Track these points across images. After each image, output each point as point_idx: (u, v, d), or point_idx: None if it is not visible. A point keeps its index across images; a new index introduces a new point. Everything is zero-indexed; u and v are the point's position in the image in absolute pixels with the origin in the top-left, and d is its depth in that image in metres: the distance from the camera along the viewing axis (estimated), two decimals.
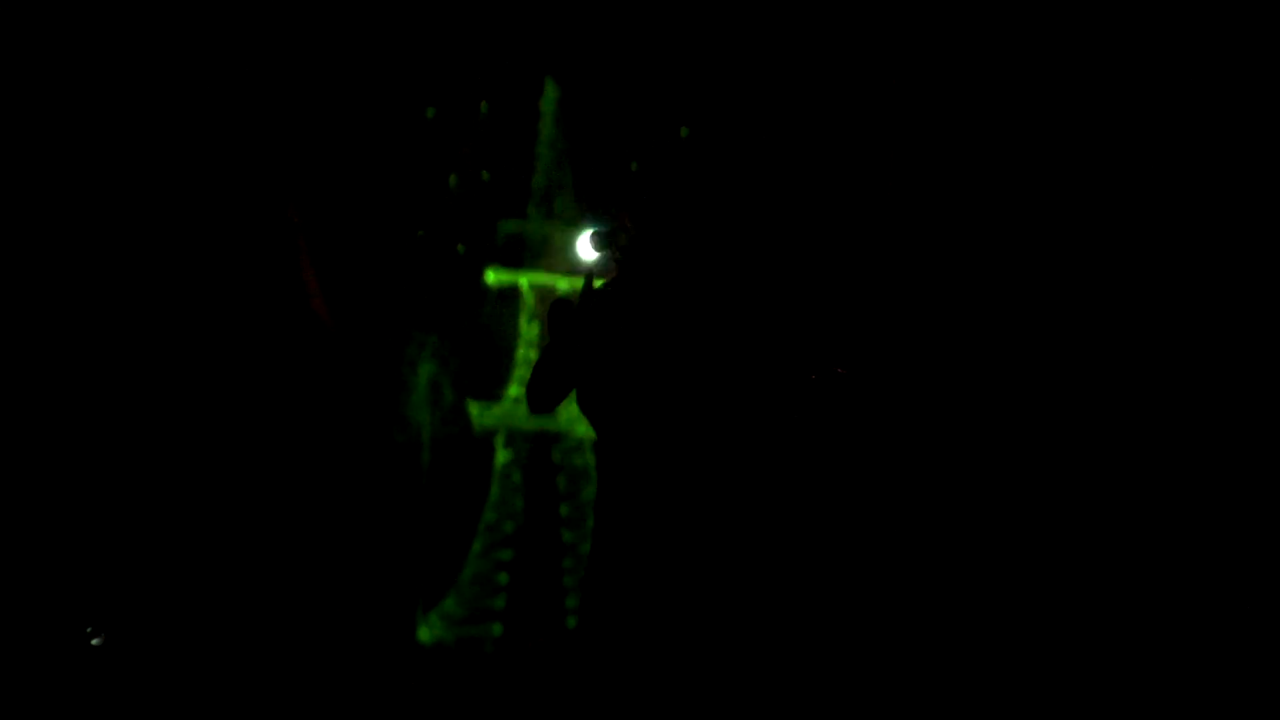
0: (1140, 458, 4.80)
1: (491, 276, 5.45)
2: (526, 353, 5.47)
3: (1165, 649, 4.58)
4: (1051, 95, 5.02)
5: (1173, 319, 4.86)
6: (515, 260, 5.48)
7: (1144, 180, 4.93)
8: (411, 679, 5.22)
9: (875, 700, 4.64)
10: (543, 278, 5.46)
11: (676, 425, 3.14)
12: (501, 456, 5.46)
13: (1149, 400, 4.83)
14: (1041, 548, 4.81)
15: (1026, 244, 5.02)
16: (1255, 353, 4.75)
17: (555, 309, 3.23)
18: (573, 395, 3.29)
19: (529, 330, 5.46)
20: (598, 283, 3.24)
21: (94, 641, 4.67)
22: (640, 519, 3.09)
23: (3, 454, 4.95)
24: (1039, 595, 4.77)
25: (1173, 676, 4.53)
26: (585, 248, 3.23)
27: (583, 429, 5.51)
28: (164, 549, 5.07)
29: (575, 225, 5.43)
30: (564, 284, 5.44)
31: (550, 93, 5.47)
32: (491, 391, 5.50)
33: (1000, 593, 4.79)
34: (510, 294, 5.48)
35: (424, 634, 5.32)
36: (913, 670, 4.70)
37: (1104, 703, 4.57)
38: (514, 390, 5.48)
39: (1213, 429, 4.76)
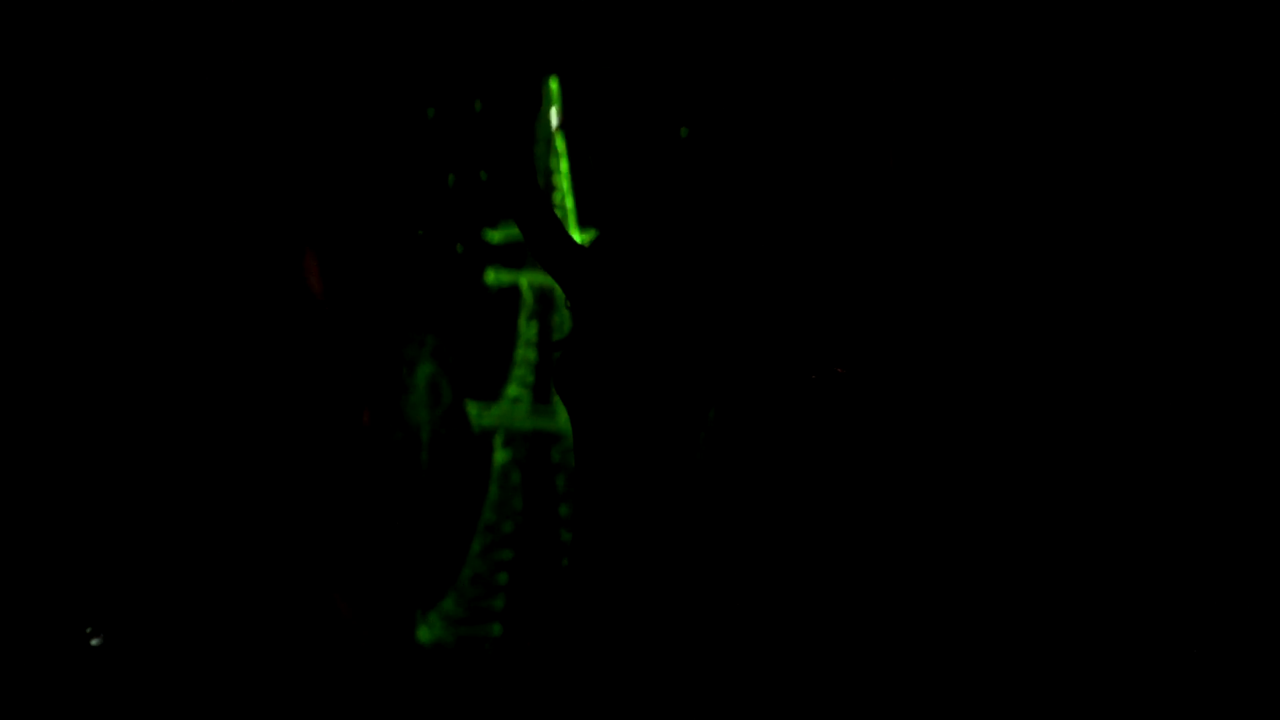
0: (1141, 458, 4.81)
1: (491, 276, 5.46)
2: (526, 353, 5.47)
3: (1166, 649, 4.58)
4: (1051, 95, 5.03)
5: (1173, 319, 4.86)
6: (515, 260, 5.49)
7: (1144, 180, 4.94)
8: (411, 679, 5.22)
9: (874, 700, 4.65)
10: (542, 278, 5.47)
11: (674, 424, 3.13)
12: (500, 456, 5.47)
13: (1150, 400, 4.84)
14: (1042, 548, 4.81)
15: (1026, 244, 5.02)
16: (1255, 353, 4.76)
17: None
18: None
19: (529, 330, 5.46)
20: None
21: (94, 641, 4.68)
22: (635, 519, 3.09)
23: (3, 455, 4.96)
24: (1040, 596, 4.77)
25: (1173, 677, 4.53)
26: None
27: None
28: (163, 549, 5.07)
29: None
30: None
31: (549, 92, 5.48)
32: (490, 391, 5.51)
33: (1001, 593, 4.80)
34: (511, 294, 5.49)
35: (424, 634, 5.32)
36: (912, 670, 4.70)
37: (1104, 703, 4.57)
38: (513, 390, 5.48)
39: (1213, 429, 4.76)
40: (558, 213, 5.48)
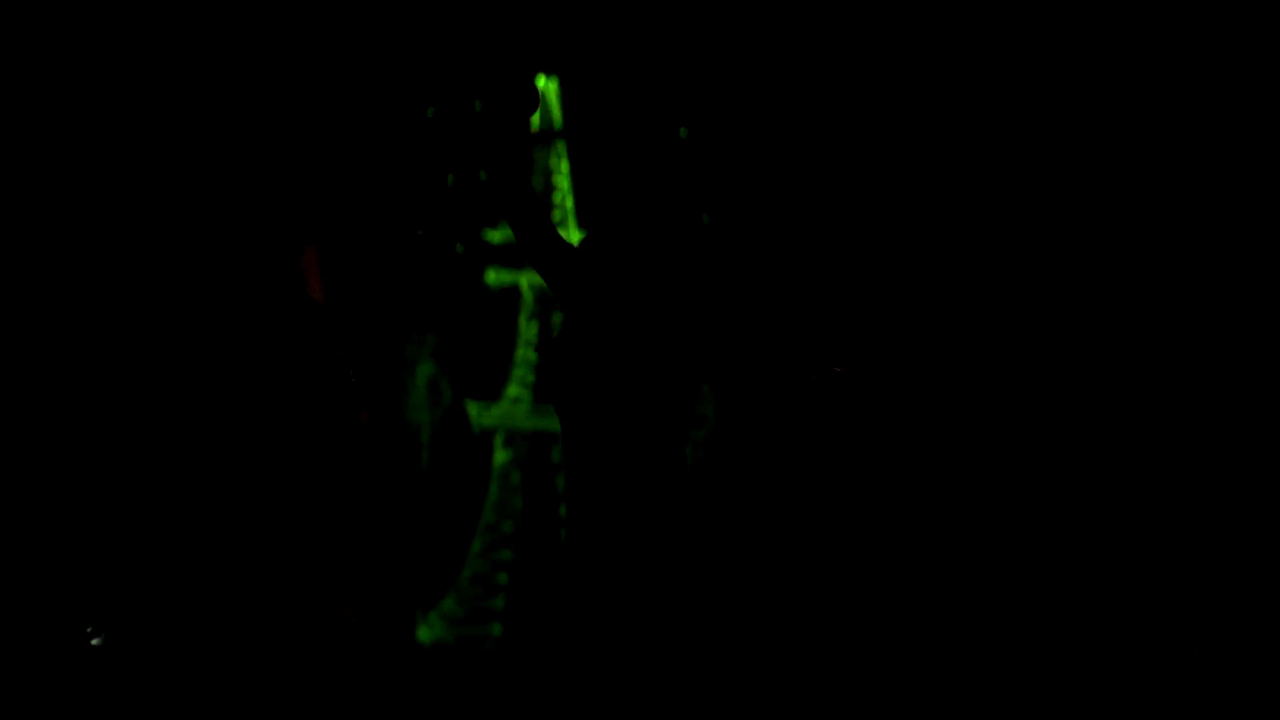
0: (1141, 458, 4.80)
1: (492, 277, 5.45)
2: (526, 353, 5.47)
3: (1165, 649, 4.58)
4: (1051, 95, 5.02)
5: (1173, 319, 4.86)
6: (515, 260, 5.48)
7: (1144, 180, 4.93)
8: (411, 679, 5.22)
9: (871, 700, 4.64)
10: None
11: (660, 425, 3.12)
12: (500, 456, 5.46)
13: (1150, 400, 4.83)
14: (1042, 548, 4.81)
15: (1027, 244, 5.02)
16: (1255, 353, 4.75)
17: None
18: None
19: (529, 330, 5.46)
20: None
21: (94, 641, 4.67)
22: (632, 520, 3.08)
23: (3, 455, 4.95)
24: (1039, 595, 4.77)
25: (1173, 677, 4.53)
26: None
27: None
28: (163, 549, 5.07)
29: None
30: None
31: (549, 92, 5.47)
32: (490, 391, 5.50)
33: (1001, 593, 4.79)
34: (511, 294, 5.49)
35: (424, 634, 5.32)
36: (910, 670, 4.70)
37: (1104, 703, 4.57)
38: (513, 390, 5.47)
39: (1213, 429, 4.76)
40: (557, 213, 5.48)
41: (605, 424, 3.06)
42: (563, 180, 5.48)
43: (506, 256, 5.48)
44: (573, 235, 5.37)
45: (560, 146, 5.48)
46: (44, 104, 5.09)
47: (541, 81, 5.43)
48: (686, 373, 3.10)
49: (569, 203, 5.49)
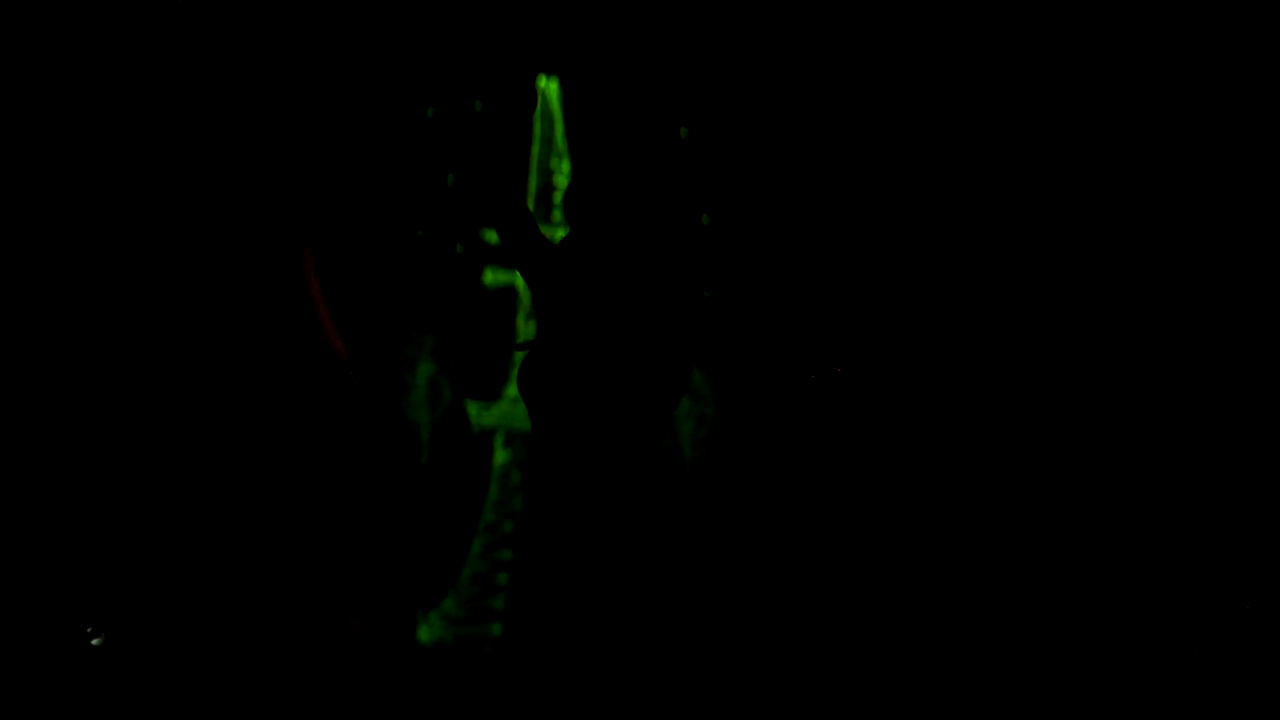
0: (1141, 458, 4.80)
1: (489, 277, 5.45)
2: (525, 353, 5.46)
3: (1165, 649, 4.58)
4: (1051, 95, 5.02)
5: (1173, 319, 4.86)
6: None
7: (1144, 180, 4.93)
8: (411, 679, 5.22)
9: (872, 700, 4.65)
10: None
11: (635, 427, 3.12)
12: (500, 456, 5.46)
13: (1150, 401, 4.83)
14: (1041, 547, 4.81)
15: (1025, 244, 5.02)
16: (1256, 353, 4.76)
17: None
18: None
19: (528, 330, 5.46)
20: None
21: (94, 641, 4.67)
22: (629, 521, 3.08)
23: (3, 455, 4.95)
24: (1039, 595, 4.77)
25: (1172, 677, 4.53)
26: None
27: None
28: (163, 549, 5.07)
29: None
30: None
31: (548, 92, 5.47)
32: (490, 391, 5.50)
33: (1000, 593, 4.79)
34: (510, 294, 5.49)
35: (424, 634, 5.32)
36: (910, 670, 4.70)
37: (1104, 703, 4.57)
38: (513, 390, 5.48)
39: (1213, 429, 4.76)
40: (557, 213, 5.48)
41: (577, 425, 3.05)
42: (563, 180, 5.48)
43: (505, 257, 5.48)
44: (547, 238, 5.37)
45: (560, 146, 5.48)
46: (44, 104, 5.09)
47: (542, 81, 5.43)
48: (665, 377, 3.09)
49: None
